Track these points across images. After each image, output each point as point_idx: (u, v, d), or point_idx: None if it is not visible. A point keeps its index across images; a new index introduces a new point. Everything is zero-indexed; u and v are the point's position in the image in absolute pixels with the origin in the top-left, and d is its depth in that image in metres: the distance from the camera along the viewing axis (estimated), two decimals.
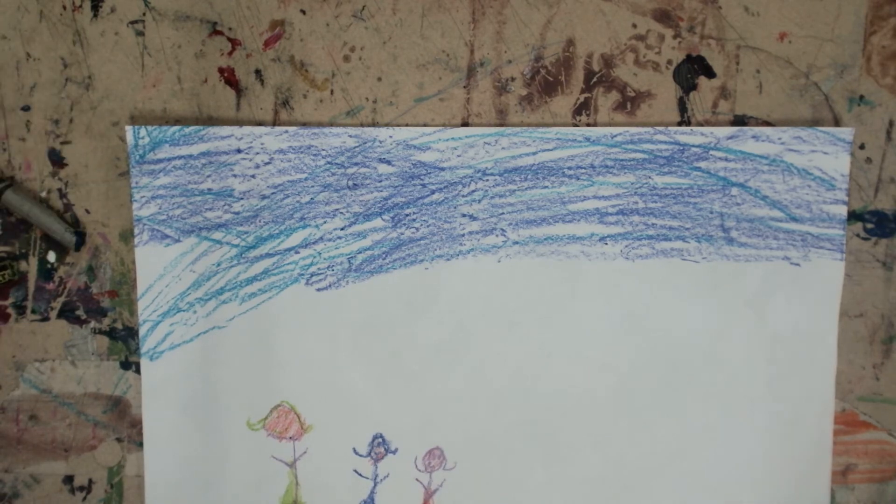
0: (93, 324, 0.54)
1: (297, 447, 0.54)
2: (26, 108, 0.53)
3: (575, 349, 0.53)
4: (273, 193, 0.52)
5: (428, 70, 0.53)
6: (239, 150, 0.52)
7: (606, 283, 0.53)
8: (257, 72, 0.52)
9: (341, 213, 0.53)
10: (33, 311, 0.54)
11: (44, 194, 0.53)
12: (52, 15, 0.52)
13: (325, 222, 0.53)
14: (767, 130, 0.52)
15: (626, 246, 0.53)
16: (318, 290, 0.53)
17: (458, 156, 0.52)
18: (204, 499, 0.54)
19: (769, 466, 0.54)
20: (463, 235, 0.53)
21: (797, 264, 0.53)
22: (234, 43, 0.52)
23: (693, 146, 0.52)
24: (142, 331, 0.53)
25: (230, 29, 0.52)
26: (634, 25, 0.53)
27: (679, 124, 0.53)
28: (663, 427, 0.54)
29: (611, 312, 0.53)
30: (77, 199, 0.53)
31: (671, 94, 0.53)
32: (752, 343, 0.53)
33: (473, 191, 0.52)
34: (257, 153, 0.52)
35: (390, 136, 0.52)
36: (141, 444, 0.54)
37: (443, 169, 0.52)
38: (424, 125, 0.53)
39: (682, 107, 0.53)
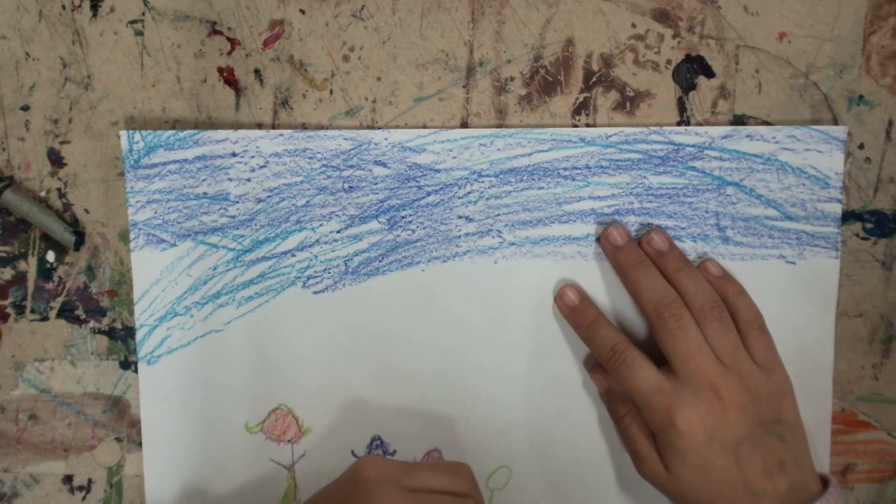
0: (92, 323, 0.54)
1: (295, 450, 0.54)
2: (25, 108, 0.53)
3: (572, 349, 0.53)
4: (269, 197, 0.52)
5: (427, 70, 0.53)
6: (234, 154, 0.52)
7: (603, 283, 0.53)
8: (257, 71, 0.53)
9: (337, 215, 0.53)
10: (33, 311, 0.54)
11: (43, 194, 0.53)
12: (51, 15, 0.52)
13: (321, 225, 0.53)
14: (762, 129, 0.52)
15: None
16: (315, 293, 0.53)
17: (454, 157, 0.52)
18: (204, 502, 0.54)
19: None
20: (459, 237, 0.53)
21: (793, 262, 0.53)
22: (234, 43, 0.52)
23: (688, 146, 0.52)
24: (139, 335, 0.53)
25: (229, 29, 0.52)
26: (634, 25, 0.52)
27: (678, 124, 0.53)
28: None
29: (607, 312, 0.53)
30: (76, 198, 0.53)
31: (671, 94, 0.53)
32: None
33: (469, 192, 0.52)
34: (252, 157, 0.52)
35: (385, 139, 0.52)
36: (140, 444, 0.54)
37: (438, 171, 0.52)
38: (423, 125, 0.53)
39: (682, 107, 0.53)
